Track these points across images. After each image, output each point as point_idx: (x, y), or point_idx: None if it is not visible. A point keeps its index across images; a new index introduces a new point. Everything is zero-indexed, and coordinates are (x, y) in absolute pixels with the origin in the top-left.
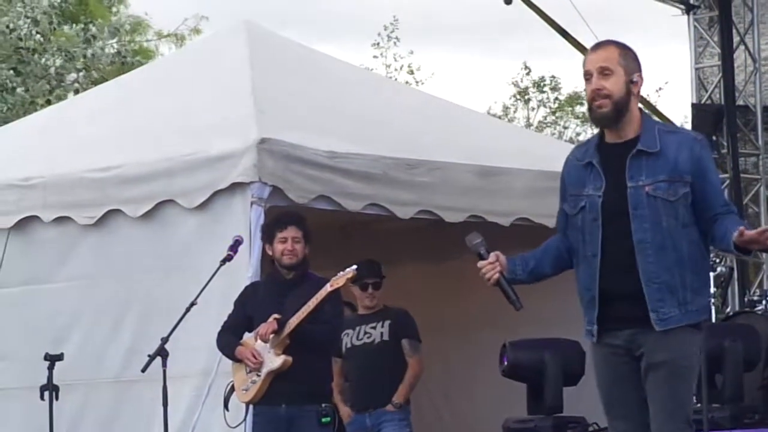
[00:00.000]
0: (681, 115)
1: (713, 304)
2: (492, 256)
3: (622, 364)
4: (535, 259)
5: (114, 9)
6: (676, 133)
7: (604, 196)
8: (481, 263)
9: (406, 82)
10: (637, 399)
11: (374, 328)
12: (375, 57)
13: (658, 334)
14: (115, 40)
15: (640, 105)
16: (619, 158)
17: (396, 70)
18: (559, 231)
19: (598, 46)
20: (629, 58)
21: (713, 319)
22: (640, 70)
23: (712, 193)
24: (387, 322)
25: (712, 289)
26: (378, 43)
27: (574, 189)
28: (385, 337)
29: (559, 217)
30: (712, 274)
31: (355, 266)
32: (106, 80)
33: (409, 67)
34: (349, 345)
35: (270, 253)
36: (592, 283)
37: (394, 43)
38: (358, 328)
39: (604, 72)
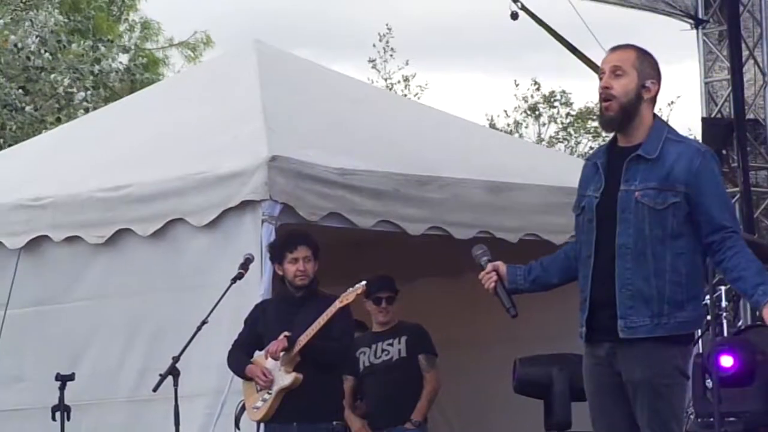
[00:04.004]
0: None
1: (725, 317)
2: (489, 266)
3: (606, 376)
4: (540, 268)
5: (123, 17)
6: (681, 142)
7: (600, 198)
8: (481, 274)
9: (404, 94)
10: (620, 413)
11: (391, 345)
12: (373, 68)
13: (634, 350)
14: (126, 57)
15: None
16: (621, 162)
17: (397, 82)
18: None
19: (618, 47)
20: (646, 63)
21: (725, 333)
22: (656, 78)
23: (709, 207)
24: (403, 338)
25: (724, 303)
26: (374, 60)
27: (582, 189)
28: (403, 354)
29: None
30: (723, 288)
31: (364, 282)
32: (117, 96)
33: (405, 80)
34: (367, 363)
35: (280, 272)
36: (585, 285)
37: (391, 55)
38: (374, 346)
39: (616, 72)
